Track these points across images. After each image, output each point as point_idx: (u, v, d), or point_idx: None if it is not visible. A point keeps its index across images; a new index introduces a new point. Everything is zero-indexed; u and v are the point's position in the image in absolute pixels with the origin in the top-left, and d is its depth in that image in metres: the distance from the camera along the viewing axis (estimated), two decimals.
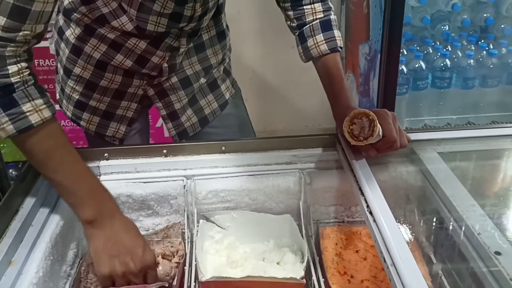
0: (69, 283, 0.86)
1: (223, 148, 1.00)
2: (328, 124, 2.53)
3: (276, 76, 2.54)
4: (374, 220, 0.74)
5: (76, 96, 1.08)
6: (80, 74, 1.05)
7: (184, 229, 0.96)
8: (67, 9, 0.99)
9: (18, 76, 0.74)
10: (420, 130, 1.03)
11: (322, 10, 1.02)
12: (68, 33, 1.02)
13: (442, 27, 1.91)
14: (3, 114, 0.74)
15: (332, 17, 1.03)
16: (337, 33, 1.02)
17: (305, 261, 0.87)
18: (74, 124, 1.14)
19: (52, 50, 1.90)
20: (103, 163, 0.97)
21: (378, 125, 0.83)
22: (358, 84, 2.11)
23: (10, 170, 2.18)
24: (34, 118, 0.75)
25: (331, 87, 1.01)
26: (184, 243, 0.94)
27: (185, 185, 0.96)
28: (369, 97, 1.94)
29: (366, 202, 0.78)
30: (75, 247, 0.92)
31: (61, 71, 1.09)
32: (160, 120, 2.12)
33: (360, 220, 1.01)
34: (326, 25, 1.01)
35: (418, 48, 1.88)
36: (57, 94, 1.15)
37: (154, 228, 0.98)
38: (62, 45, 1.05)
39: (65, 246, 0.88)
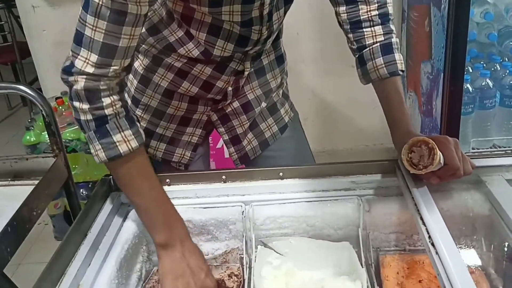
0: None
1: (281, 174, 1.00)
2: (390, 143, 2.45)
3: (335, 95, 2.53)
4: (437, 252, 0.71)
5: (144, 124, 1.13)
6: (148, 103, 1.10)
7: (243, 254, 0.97)
8: None
9: (111, 108, 0.82)
10: (486, 156, 0.98)
11: (382, 33, 1.00)
12: (136, 64, 1.09)
13: (511, 43, 1.83)
14: (97, 142, 0.82)
15: (394, 40, 1.00)
16: (398, 56, 0.99)
17: None
18: None
19: None
20: (165, 188, 1.00)
21: (439, 152, 0.80)
22: (420, 104, 2.05)
23: (81, 190, 2.30)
24: (122, 148, 0.83)
25: (390, 111, 0.99)
26: (243, 268, 0.95)
27: (243, 211, 0.97)
28: (432, 117, 1.88)
29: (428, 232, 0.76)
30: (138, 270, 0.95)
31: (128, 101, 1.14)
32: (221, 141, 2.17)
33: (423, 248, 0.97)
34: (386, 49, 0.99)
35: (484, 65, 1.81)
36: None
37: (214, 253, 1.00)
38: (130, 76, 1.11)
39: (129, 269, 0.92)
